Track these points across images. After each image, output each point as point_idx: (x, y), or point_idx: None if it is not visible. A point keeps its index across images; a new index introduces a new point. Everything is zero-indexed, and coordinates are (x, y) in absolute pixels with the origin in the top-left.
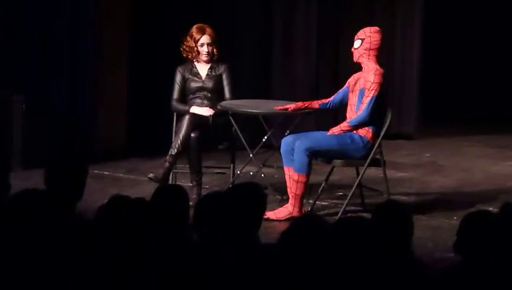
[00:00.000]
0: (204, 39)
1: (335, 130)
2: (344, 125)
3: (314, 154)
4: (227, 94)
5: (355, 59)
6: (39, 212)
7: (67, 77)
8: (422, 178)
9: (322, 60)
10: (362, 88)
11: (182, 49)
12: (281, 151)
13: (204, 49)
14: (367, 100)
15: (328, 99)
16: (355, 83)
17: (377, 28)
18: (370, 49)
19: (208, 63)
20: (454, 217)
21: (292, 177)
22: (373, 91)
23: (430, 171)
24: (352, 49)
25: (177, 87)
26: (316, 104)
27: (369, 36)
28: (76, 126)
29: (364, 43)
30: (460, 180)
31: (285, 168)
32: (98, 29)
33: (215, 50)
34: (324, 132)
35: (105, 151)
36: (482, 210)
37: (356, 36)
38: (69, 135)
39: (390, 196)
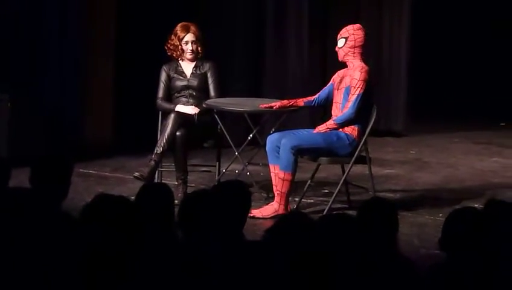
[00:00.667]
0: (189, 37)
1: (321, 128)
2: (330, 124)
3: (300, 152)
4: (212, 92)
5: (340, 58)
6: (24, 210)
7: (53, 76)
8: (408, 175)
9: (313, 58)
10: (348, 86)
11: (166, 48)
12: (267, 149)
13: (188, 47)
14: (353, 98)
15: (313, 96)
16: (341, 81)
17: (359, 25)
18: (354, 46)
19: (193, 61)
20: (440, 214)
21: (278, 175)
22: (359, 89)
23: (416, 168)
24: (337, 49)
25: (162, 86)
26: (301, 102)
27: (353, 34)
28: (63, 125)
29: (348, 41)
30: (446, 177)
31: (271, 166)
32: (85, 29)
33: (199, 48)
34: (310, 130)
35: (91, 150)
36: (466, 207)
37: (339, 35)
38: (55, 134)
39: (376, 193)
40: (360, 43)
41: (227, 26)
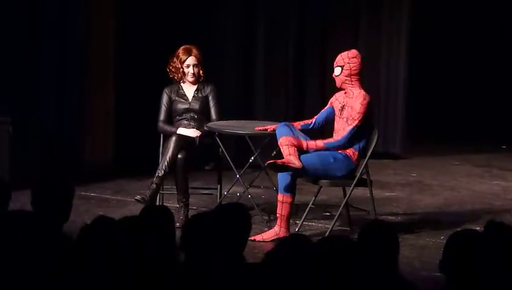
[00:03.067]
0: (190, 60)
1: (311, 145)
2: (319, 144)
3: (298, 174)
4: (213, 115)
5: (338, 85)
6: (26, 233)
7: (54, 99)
8: (409, 197)
9: (307, 79)
10: (347, 118)
11: (168, 70)
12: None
13: (190, 70)
14: (348, 128)
15: (311, 120)
16: (342, 109)
17: (354, 52)
18: (351, 75)
19: (194, 84)
20: (441, 237)
21: (277, 198)
22: (356, 121)
23: (416, 190)
24: (334, 76)
25: (163, 109)
26: (298, 125)
27: (348, 63)
28: (63, 148)
29: (344, 70)
30: (447, 200)
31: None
32: (85, 51)
33: (201, 71)
34: (307, 152)
35: (92, 173)
36: (467, 229)
37: (335, 63)
38: (56, 157)
39: (377, 216)
40: (357, 71)
41: (217, 48)
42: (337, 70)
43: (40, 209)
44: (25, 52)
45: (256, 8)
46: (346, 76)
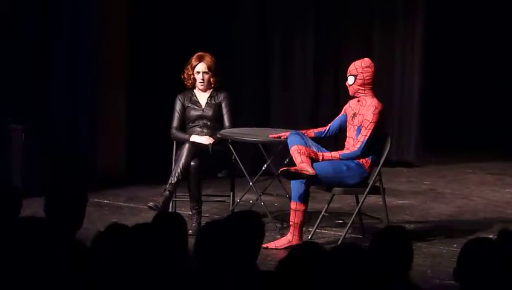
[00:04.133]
0: (200, 67)
1: (326, 156)
2: (335, 156)
3: (311, 182)
4: (226, 122)
5: (351, 93)
6: (39, 240)
7: (67, 106)
8: (422, 205)
9: (321, 86)
10: (360, 125)
11: (182, 77)
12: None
13: (199, 77)
14: (362, 139)
15: (325, 127)
16: (354, 117)
17: (367, 61)
18: (364, 84)
19: (204, 91)
20: (454, 245)
21: (290, 206)
22: (369, 131)
23: (429, 198)
24: (347, 84)
25: (176, 116)
26: (311, 132)
27: (361, 72)
28: (76, 155)
29: (357, 79)
30: (460, 208)
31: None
32: (97, 58)
33: (212, 79)
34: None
35: (105, 180)
36: (482, 237)
37: (348, 72)
38: (69, 164)
39: (389, 224)
40: (370, 80)
41: (232, 55)
42: (350, 80)
43: (53, 216)
44: (37, 61)
45: (271, 17)
46: (359, 85)
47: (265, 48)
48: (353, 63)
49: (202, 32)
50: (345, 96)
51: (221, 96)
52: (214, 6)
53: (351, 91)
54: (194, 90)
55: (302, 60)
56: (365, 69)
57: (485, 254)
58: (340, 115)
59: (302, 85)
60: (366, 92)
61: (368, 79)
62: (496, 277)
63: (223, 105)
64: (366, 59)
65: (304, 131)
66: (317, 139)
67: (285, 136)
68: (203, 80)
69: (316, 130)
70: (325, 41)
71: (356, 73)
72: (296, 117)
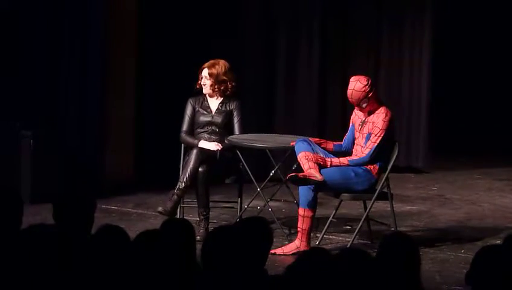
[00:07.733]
0: (203, 72)
1: (335, 162)
2: (343, 161)
3: (319, 188)
4: (236, 131)
5: (357, 109)
6: (48, 247)
7: (75, 112)
8: (430, 211)
9: (327, 94)
10: (370, 133)
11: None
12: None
13: (202, 82)
14: (372, 146)
15: (341, 142)
16: (363, 125)
17: (363, 82)
18: (363, 98)
19: (211, 96)
20: (462, 251)
21: (298, 212)
22: (379, 138)
23: (437, 204)
24: (350, 100)
25: (187, 119)
26: (331, 144)
27: (361, 97)
28: (85, 161)
29: (361, 103)
30: (468, 214)
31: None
32: (105, 65)
33: (216, 85)
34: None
35: (113, 186)
36: (498, 244)
37: (348, 96)
38: (77, 170)
39: (397, 229)
40: (371, 94)
41: (238, 64)
42: (349, 94)
43: (61, 222)
44: (45, 68)
45: (278, 24)
46: (362, 102)
47: (271, 56)
48: (349, 93)
49: (208, 40)
50: (350, 104)
51: (233, 105)
52: (221, 16)
53: (356, 108)
54: (207, 95)
55: (307, 67)
56: (364, 88)
57: (499, 260)
58: (350, 127)
59: (307, 93)
60: (369, 102)
61: (369, 95)
62: (507, 283)
63: (235, 114)
64: (360, 80)
65: (324, 141)
66: (335, 153)
67: (293, 143)
68: (204, 84)
69: (335, 143)
70: (332, 48)
71: (358, 101)
72: (300, 125)
